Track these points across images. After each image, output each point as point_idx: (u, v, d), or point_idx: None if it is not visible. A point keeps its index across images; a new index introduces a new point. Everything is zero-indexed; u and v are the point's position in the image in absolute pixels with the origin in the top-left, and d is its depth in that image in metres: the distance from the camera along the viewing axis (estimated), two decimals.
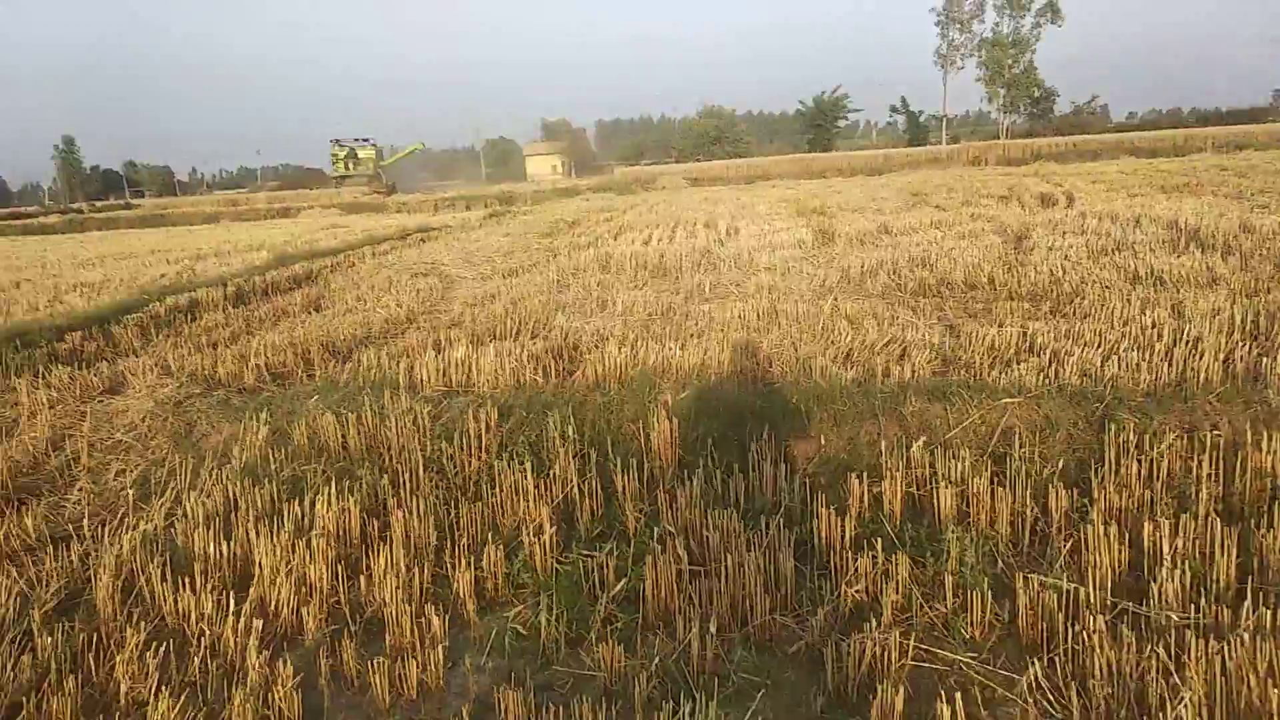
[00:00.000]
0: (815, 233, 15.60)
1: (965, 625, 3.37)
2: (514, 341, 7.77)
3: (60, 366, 7.31)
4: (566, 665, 3.31)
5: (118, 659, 3.29)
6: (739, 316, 8.32)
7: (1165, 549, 3.55)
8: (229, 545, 4.07)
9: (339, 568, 3.90)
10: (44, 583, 4.00)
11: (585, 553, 3.92)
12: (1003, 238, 12.87)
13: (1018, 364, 5.87)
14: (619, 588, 3.67)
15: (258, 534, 4.08)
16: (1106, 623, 3.19)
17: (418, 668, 3.23)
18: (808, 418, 5.07)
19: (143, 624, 3.58)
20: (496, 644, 3.48)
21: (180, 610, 3.69)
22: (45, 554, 4.24)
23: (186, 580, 3.78)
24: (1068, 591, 3.33)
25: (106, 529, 4.49)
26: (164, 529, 4.36)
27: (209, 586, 3.80)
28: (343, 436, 5.30)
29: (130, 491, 4.97)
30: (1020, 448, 4.47)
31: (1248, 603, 3.12)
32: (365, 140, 62.80)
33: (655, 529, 4.18)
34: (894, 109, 75.83)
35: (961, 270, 9.89)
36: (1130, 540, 3.70)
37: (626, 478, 4.59)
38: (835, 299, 9.00)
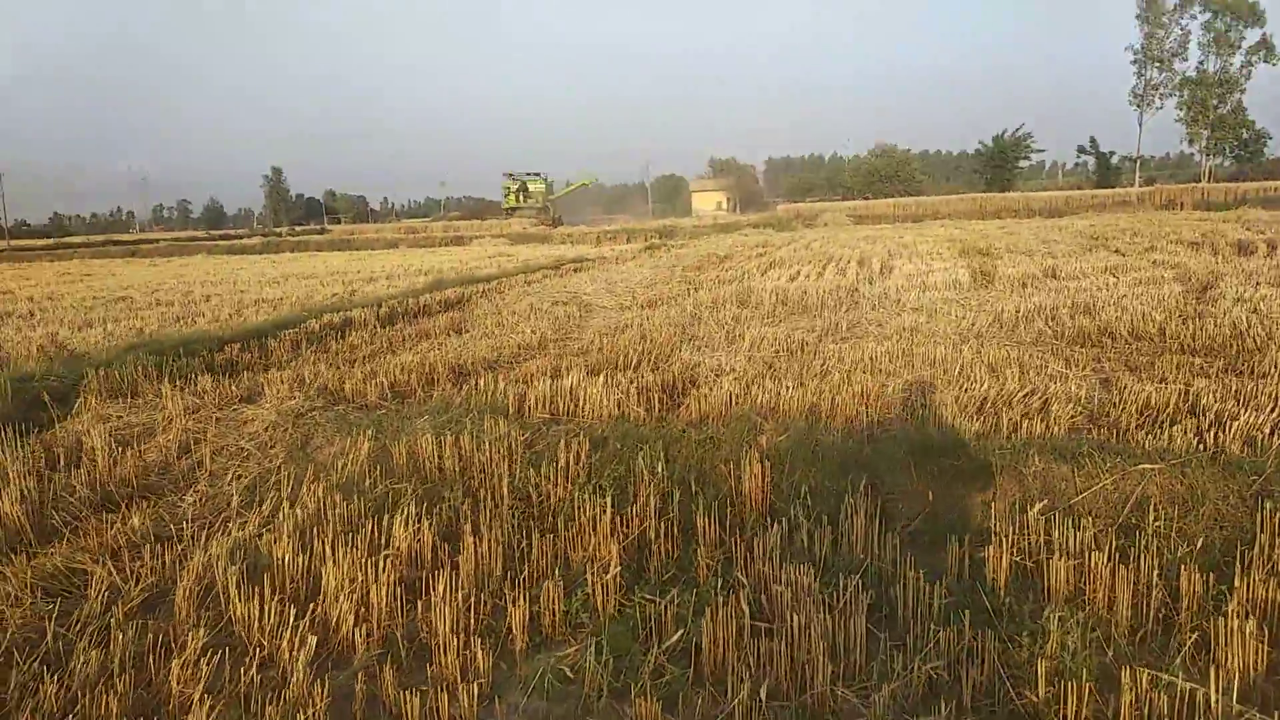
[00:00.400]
0: (974, 274, 14.78)
1: None
2: (634, 372, 7.68)
3: (209, 376, 7.80)
4: (603, 717, 3.11)
5: (174, 662, 3.35)
6: (870, 358, 7.90)
7: None
8: (305, 558, 4.12)
9: (400, 590, 3.85)
10: (136, 580, 4.17)
11: (648, 597, 3.70)
12: (1184, 286, 11.74)
13: (1171, 426, 5.22)
14: (674, 639, 3.43)
15: (333, 549, 4.12)
16: None
17: (452, 701, 3.12)
18: (915, 471, 4.67)
19: (205, 630, 3.66)
20: (539, 685, 3.32)
21: (246, 619, 3.74)
22: (146, 552, 4.44)
23: (258, 590, 3.84)
24: (1184, 692, 2.83)
25: (205, 532, 4.67)
26: (254, 537, 4.47)
27: (277, 598, 3.84)
28: (439, 458, 5.33)
29: (236, 498, 5.17)
30: (1154, 521, 3.92)
31: None
32: (535, 174, 65.40)
33: (727, 579, 3.93)
34: (1082, 149, 71.51)
35: (1129, 319, 9.05)
36: (1273, 638, 3.14)
37: (707, 520, 4.35)
38: (980, 344, 8.41)
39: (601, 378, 6.74)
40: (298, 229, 72.14)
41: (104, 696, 3.17)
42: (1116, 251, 17.37)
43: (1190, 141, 65.33)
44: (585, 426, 5.60)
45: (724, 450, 5.04)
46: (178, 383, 7.81)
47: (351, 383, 7.40)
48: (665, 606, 3.59)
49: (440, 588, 3.75)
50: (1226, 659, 3.06)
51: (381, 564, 3.92)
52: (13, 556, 4.44)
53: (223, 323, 12.75)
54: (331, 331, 11.19)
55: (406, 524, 4.31)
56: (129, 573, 4.26)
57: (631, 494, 4.63)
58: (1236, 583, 3.41)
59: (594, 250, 30.67)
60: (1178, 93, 63.67)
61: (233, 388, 7.45)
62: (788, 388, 6.54)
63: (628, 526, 4.34)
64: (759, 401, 6.14)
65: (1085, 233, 23.50)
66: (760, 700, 2.99)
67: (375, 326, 11.61)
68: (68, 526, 4.94)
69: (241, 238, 56.36)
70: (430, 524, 4.34)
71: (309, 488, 5.05)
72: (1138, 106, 65.36)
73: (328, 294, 16.61)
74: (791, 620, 3.35)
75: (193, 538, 4.64)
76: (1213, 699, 2.83)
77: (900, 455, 4.82)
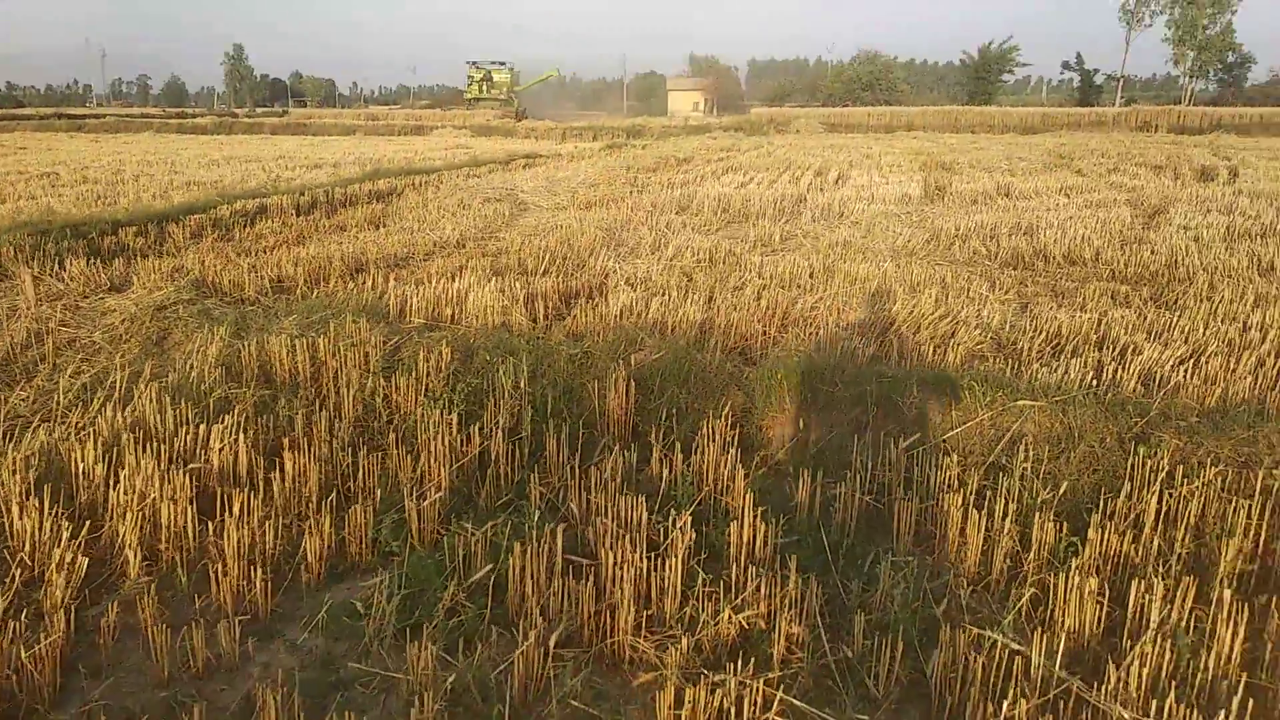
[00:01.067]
0: (927, 188, 14.35)
1: (868, 677, 2.68)
2: (539, 278, 7.26)
3: (85, 261, 7.26)
4: (378, 663, 2.81)
5: None
6: (790, 273, 7.53)
7: (1153, 619, 2.73)
8: (103, 468, 3.74)
9: (193, 510, 3.50)
10: None
11: (468, 526, 3.38)
12: (1135, 211, 11.41)
13: (1073, 358, 4.93)
14: (479, 575, 3.13)
15: (137, 460, 3.74)
16: (1037, 705, 2.45)
17: (210, 639, 2.81)
18: (791, 396, 4.35)
19: None
20: (324, 621, 3.02)
21: (21, 534, 3.38)
22: None
23: (42, 502, 3.47)
24: (1003, 653, 2.58)
25: (17, 434, 4.27)
26: (60, 441, 4.07)
27: (65, 513, 3.48)
28: (292, 362, 4.93)
29: (65, 397, 4.76)
30: (1022, 461, 3.64)
31: (1228, 712, 2.31)
32: (501, 64, 62.69)
33: (558, 508, 3.63)
34: (1067, 65, 70.07)
35: (1066, 243, 8.72)
36: (1116, 598, 2.90)
37: (557, 443, 4.03)
38: (909, 262, 8.06)
39: (493, 283, 6.32)
40: (259, 110, 69.42)
41: None
42: (1078, 172, 16.95)
43: (1175, 63, 64.19)
44: (459, 335, 5.20)
45: (597, 367, 4.68)
46: (49, 266, 7.28)
47: (231, 275, 6.91)
48: (481, 537, 3.28)
49: (236, 509, 3.40)
50: (1062, 618, 2.81)
51: (180, 479, 3.56)
52: None
53: (142, 204, 12.03)
54: (242, 219, 10.58)
55: (225, 435, 3.94)
56: None
57: (485, 411, 4.29)
58: (1091, 533, 3.14)
59: (555, 147, 29.69)
60: (1169, 10, 62.21)
61: (103, 275, 6.94)
62: (692, 302, 6.17)
63: (469, 445, 3.99)
64: (653, 316, 5.77)
65: (1054, 151, 23.00)
66: (548, 647, 2.71)
67: (291, 216, 11.00)
68: None
69: (194, 116, 54.12)
70: (249, 435, 3.97)
71: (143, 388, 4.63)
72: (1127, 23, 63.92)
73: (263, 179, 15.83)
74: (605, 558, 3.06)
75: (9, 435, 4.25)
76: (1034, 662, 2.58)
77: (781, 378, 4.49)
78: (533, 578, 3.07)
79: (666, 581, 2.98)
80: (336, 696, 2.68)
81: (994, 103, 59.83)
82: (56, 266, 7.25)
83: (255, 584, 3.06)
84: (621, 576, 2.97)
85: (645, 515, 3.34)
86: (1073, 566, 2.90)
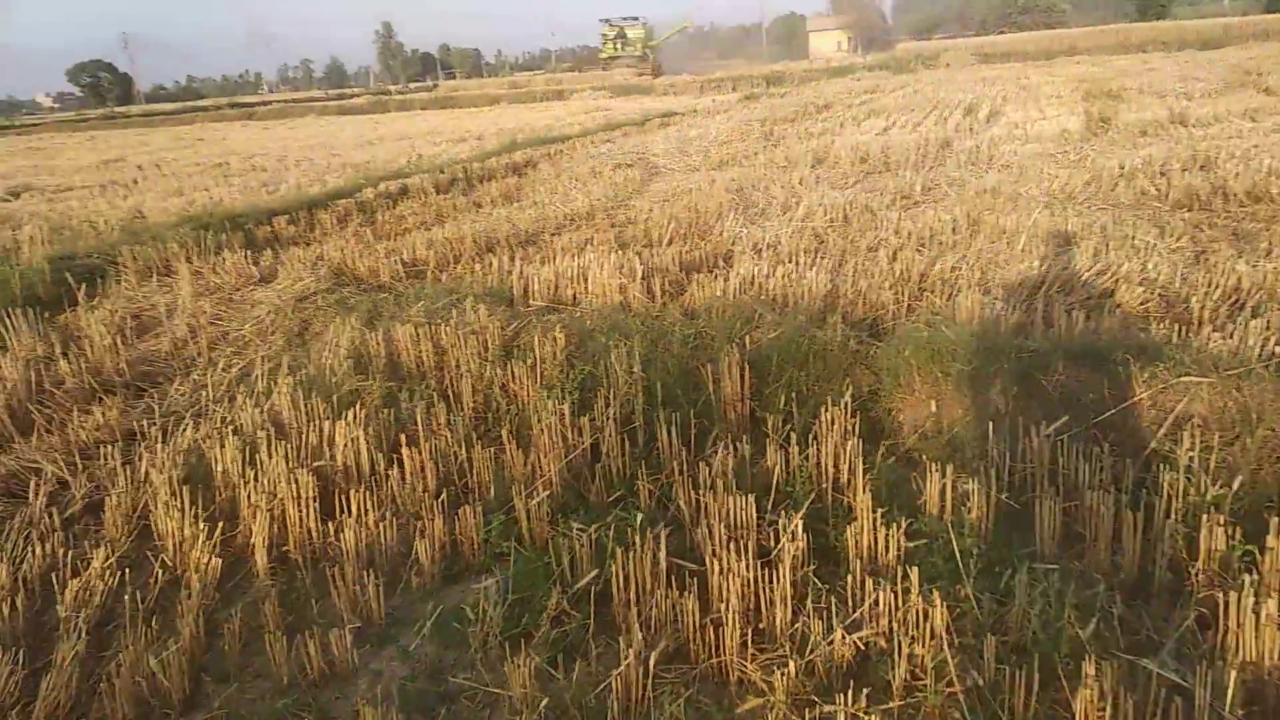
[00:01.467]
0: (1089, 121, 13.19)
1: (1002, 711, 2.44)
2: (665, 249, 7.11)
3: (235, 253, 7.65)
4: (483, 676, 2.79)
5: (72, 583, 3.22)
6: (928, 229, 7.06)
7: None
8: (239, 467, 3.90)
9: (316, 509, 3.59)
10: (79, 484, 4.08)
11: (575, 526, 3.31)
12: None
13: (1253, 318, 4.36)
14: (584, 581, 3.06)
15: (269, 459, 3.88)
16: None
17: (324, 646, 2.86)
18: (920, 374, 4.04)
19: (127, 540, 3.54)
20: (435, 629, 3.03)
21: (163, 534, 3.58)
22: (106, 451, 4.33)
23: (183, 503, 3.65)
24: (1164, 692, 2.28)
25: (168, 431, 4.54)
26: (206, 438, 4.28)
27: (205, 512, 3.66)
28: (417, 352, 5.01)
29: (214, 393, 5.02)
30: (1189, 450, 3.23)
31: None
32: (634, 19, 61.94)
33: (667, 507, 3.51)
34: None
35: (1250, 176, 7.77)
36: None
37: (669, 435, 3.90)
38: (1065, 210, 7.40)
39: (612, 258, 6.22)
40: (412, 85, 71.96)
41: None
42: (1266, 90, 15.15)
43: None
44: (575, 317, 5.14)
45: (711, 348, 4.51)
46: (208, 260, 7.73)
47: (367, 261, 7.12)
48: (586, 539, 3.20)
49: (354, 508, 3.47)
50: (1236, 646, 2.46)
51: (306, 478, 3.66)
52: None
53: (300, 191, 12.59)
54: (386, 201, 10.92)
55: (348, 431, 4.03)
56: (81, 473, 4.17)
57: (597, 399, 4.20)
58: (1271, 540, 2.74)
59: (692, 102, 29.20)
60: None
61: (254, 268, 7.29)
62: (820, 269, 5.87)
63: (580, 437, 3.93)
64: (776, 287, 5.52)
65: (1237, 66, 20.67)
66: (649, 666, 2.61)
67: (431, 195, 11.26)
68: (49, 420, 4.90)
69: (352, 97, 56.63)
70: (370, 431, 4.05)
71: (280, 383, 4.82)
72: None
73: (410, 158, 16.30)
74: (711, 565, 2.92)
75: (165, 433, 4.51)
76: (1198, 701, 2.27)
77: (910, 356, 4.17)
78: (637, 585, 2.98)
79: (776, 593, 2.81)
80: (442, 710, 2.68)
81: (1168, 17, 54.45)
82: (215, 257, 7.69)
83: (369, 587, 3.11)
84: (728, 587, 2.82)
85: (755, 516, 3.17)
86: (1248, 582, 2.53)
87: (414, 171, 13.20)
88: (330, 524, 3.54)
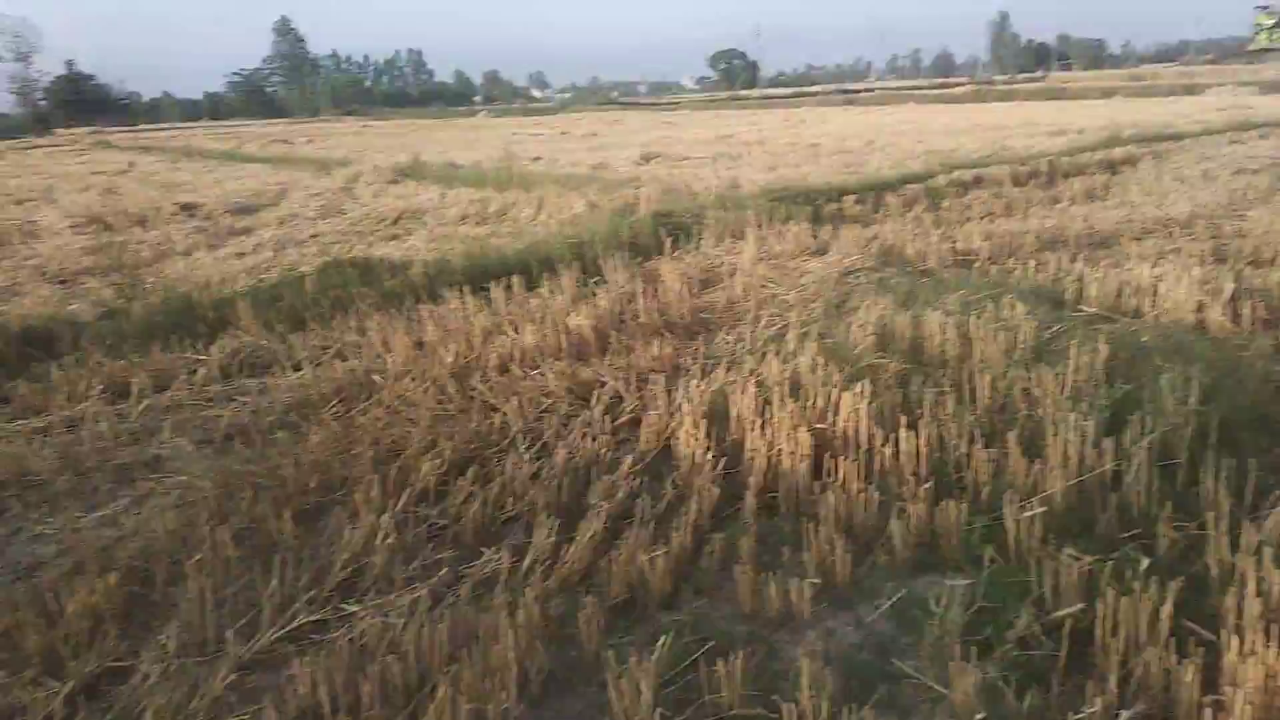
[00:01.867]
0: None
1: None
2: (1274, 270, 5.91)
3: (800, 226, 8.20)
4: (926, 672, 2.69)
5: (605, 477, 3.84)
6: None
7: None
8: (751, 416, 4.24)
9: (808, 464, 3.76)
10: (630, 401, 4.79)
11: (1068, 552, 2.99)
12: None
13: None
14: (1063, 613, 2.75)
15: (775, 414, 4.16)
16: None
17: (781, 591, 3.02)
18: None
19: (641, 456, 4.10)
20: (892, 611, 3.00)
21: (678, 455, 4.06)
22: (659, 379, 5.02)
23: (696, 436, 4.10)
24: None
25: (703, 376, 5.10)
26: (729, 384, 4.71)
27: (707, 446, 4.06)
28: (943, 340, 4.90)
29: (751, 346, 5.49)
30: None
31: None
32: None
33: (1195, 564, 2.97)
34: None
35: None
36: None
37: (1217, 480, 3.28)
38: None
39: (1194, 272, 5.33)
40: (1020, 76, 69.02)
41: (533, 493, 3.82)
42: None
43: None
44: (1126, 331, 4.56)
45: None
46: (776, 229, 8.42)
47: (917, 245, 7.10)
48: (1077, 569, 2.88)
49: (841, 474, 3.57)
50: None
51: (805, 437, 3.85)
52: (566, 362, 5.43)
53: (876, 173, 13.03)
54: (956, 189, 10.75)
55: (854, 401, 4.12)
56: (633, 392, 4.90)
57: (1129, 424, 3.70)
58: None
59: None
60: None
61: (810, 240, 7.75)
62: None
63: (1099, 459, 3.50)
64: None
65: None
66: None
67: (1006, 186, 10.78)
68: (621, 345, 5.83)
69: (953, 87, 56.24)
70: (875, 405, 4.09)
71: (808, 346, 5.09)
72: None
73: (996, 147, 15.77)
74: (1229, 642, 2.43)
75: (703, 372, 5.09)
76: None
77: None
78: (1127, 634, 2.60)
79: None
80: (882, 689, 2.66)
81: None
82: (781, 226, 8.35)
83: (837, 550, 3.19)
84: (1244, 671, 2.33)
85: None
86: None
87: (993, 161, 12.74)
88: (816, 484, 3.69)
